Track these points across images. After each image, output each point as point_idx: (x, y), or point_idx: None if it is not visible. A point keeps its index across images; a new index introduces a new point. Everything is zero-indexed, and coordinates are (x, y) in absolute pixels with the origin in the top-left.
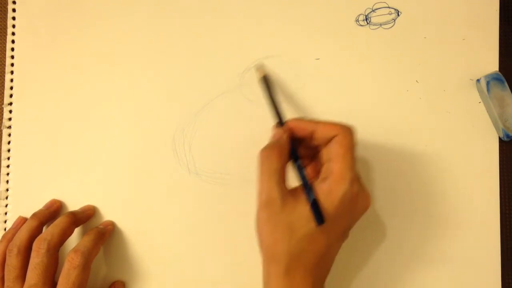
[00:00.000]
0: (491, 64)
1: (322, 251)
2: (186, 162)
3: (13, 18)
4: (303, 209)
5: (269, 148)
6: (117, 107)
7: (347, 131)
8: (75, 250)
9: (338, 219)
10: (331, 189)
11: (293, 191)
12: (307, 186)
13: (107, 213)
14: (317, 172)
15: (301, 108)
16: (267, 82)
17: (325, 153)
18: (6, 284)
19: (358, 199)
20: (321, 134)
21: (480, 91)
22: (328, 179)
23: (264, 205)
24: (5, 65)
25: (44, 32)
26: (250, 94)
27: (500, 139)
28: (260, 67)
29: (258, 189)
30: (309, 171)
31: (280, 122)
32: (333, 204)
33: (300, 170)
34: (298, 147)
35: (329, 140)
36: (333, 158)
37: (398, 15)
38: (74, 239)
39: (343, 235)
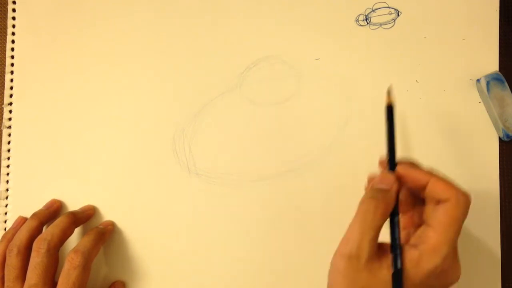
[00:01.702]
0: (491, 64)
1: None
2: (186, 162)
3: (13, 18)
4: (385, 273)
5: (375, 200)
6: (117, 107)
7: (462, 200)
8: (75, 250)
9: None
10: (421, 259)
11: (381, 248)
12: (395, 251)
13: (107, 213)
14: (413, 223)
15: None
16: (392, 112)
17: (427, 213)
18: (6, 284)
19: (448, 273)
20: (431, 191)
21: (480, 91)
22: (420, 247)
23: (348, 257)
24: (5, 65)
25: (44, 32)
26: (250, 94)
27: (500, 139)
28: (390, 92)
29: (346, 236)
30: (404, 220)
31: (392, 166)
32: (418, 276)
33: (395, 229)
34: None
35: (437, 201)
36: (434, 224)
37: (398, 15)
38: (74, 239)
39: None
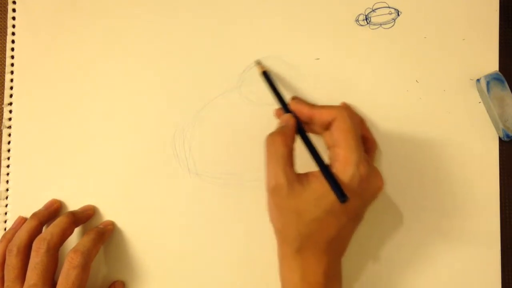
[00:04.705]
0: (491, 64)
1: (332, 232)
2: (186, 162)
3: (13, 18)
4: (310, 194)
5: (274, 134)
6: (117, 107)
7: (344, 114)
8: (74, 250)
9: (347, 202)
10: (337, 174)
11: (300, 176)
12: (323, 166)
13: (107, 213)
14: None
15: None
16: (268, 75)
17: (329, 138)
18: (6, 284)
19: (369, 180)
20: (319, 120)
21: (480, 91)
22: (334, 164)
23: (272, 191)
24: (5, 65)
25: (44, 32)
26: (250, 94)
27: (500, 139)
28: (259, 63)
29: (266, 175)
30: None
31: (285, 110)
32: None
33: (313, 151)
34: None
35: (329, 124)
36: (336, 143)
37: (398, 15)
38: (74, 239)
39: (356, 216)
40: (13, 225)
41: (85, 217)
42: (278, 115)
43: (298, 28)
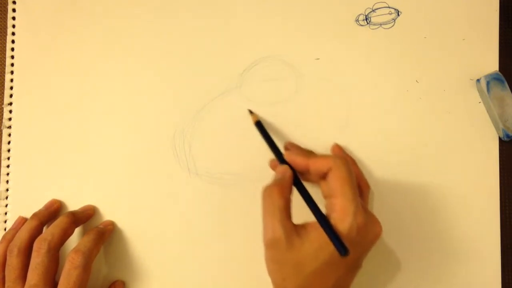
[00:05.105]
0: (491, 64)
1: (331, 283)
2: (186, 162)
3: (13, 18)
4: (308, 246)
5: (271, 186)
6: (117, 107)
7: (339, 163)
8: (75, 250)
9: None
10: (336, 225)
11: (298, 227)
12: (322, 218)
13: (107, 213)
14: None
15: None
16: (261, 125)
17: (325, 187)
18: (6, 284)
19: (366, 228)
20: (314, 170)
21: (480, 91)
22: (332, 215)
23: (270, 245)
24: (5, 65)
25: (44, 32)
26: (250, 94)
27: (500, 139)
28: (252, 112)
29: (263, 228)
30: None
31: (281, 160)
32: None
33: (311, 203)
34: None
35: (325, 174)
36: (332, 193)
37: (398, 15)
38: (74, 239)
39: (355, 266)
40: (13, 225)
41: (85, 217)
42: (273, 166)
43: (298, 28)
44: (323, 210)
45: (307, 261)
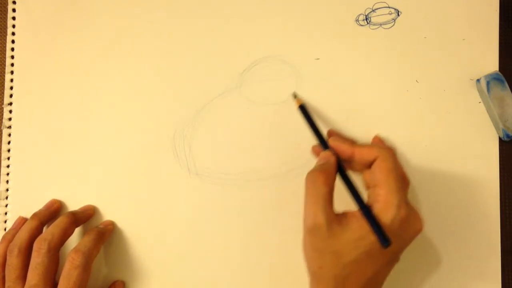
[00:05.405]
0: (491, 64)
1: (369, 274)
2: (186, 162)
3: (13, 18)
4: (349, 235)
5: (315, 172)
6: (117, 107)
7: (386, 154)
8: (75, 250)
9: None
10: (378, 216)
11: (339, 216)
12: (365, 208)
13: (107, 213)
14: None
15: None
16: (305, 110)
17: (369, 178)
18: (7, 284)
19: (408, 222)
20: (359, 158)
21: (480, 91)
22: (375, 205)
23: (310, 231)
24: (5, 65)
25: (44, 32)
26: (250, 94)
27: (500, 139)
28: (296, 95)
29: (304, 213)
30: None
31: (324, 146)
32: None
33: (354, 192)
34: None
35: (370, 164)
36: (376, 183)
37: (398, 15)
38: (74, 239)
39: (393, 259)
40: (13, 225)
41: (85, 217)
42: (316, 152)
43: (298, 28)
44: (365, 199)
45: (346, 250)
